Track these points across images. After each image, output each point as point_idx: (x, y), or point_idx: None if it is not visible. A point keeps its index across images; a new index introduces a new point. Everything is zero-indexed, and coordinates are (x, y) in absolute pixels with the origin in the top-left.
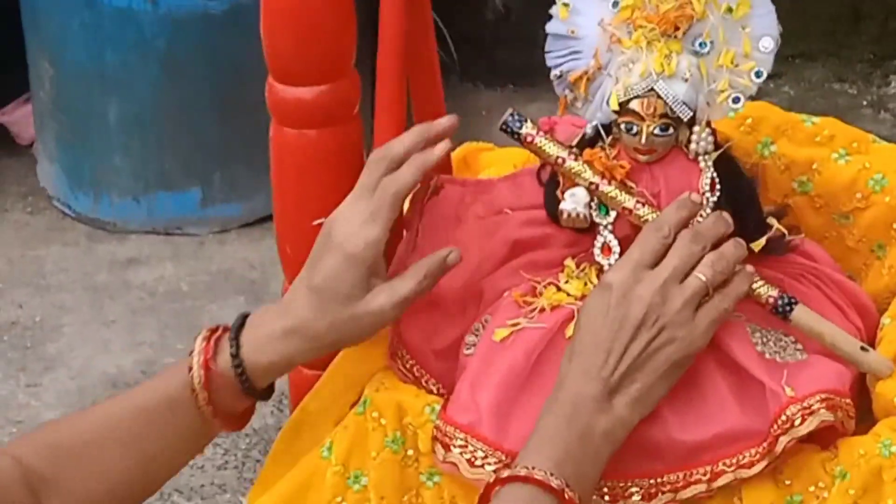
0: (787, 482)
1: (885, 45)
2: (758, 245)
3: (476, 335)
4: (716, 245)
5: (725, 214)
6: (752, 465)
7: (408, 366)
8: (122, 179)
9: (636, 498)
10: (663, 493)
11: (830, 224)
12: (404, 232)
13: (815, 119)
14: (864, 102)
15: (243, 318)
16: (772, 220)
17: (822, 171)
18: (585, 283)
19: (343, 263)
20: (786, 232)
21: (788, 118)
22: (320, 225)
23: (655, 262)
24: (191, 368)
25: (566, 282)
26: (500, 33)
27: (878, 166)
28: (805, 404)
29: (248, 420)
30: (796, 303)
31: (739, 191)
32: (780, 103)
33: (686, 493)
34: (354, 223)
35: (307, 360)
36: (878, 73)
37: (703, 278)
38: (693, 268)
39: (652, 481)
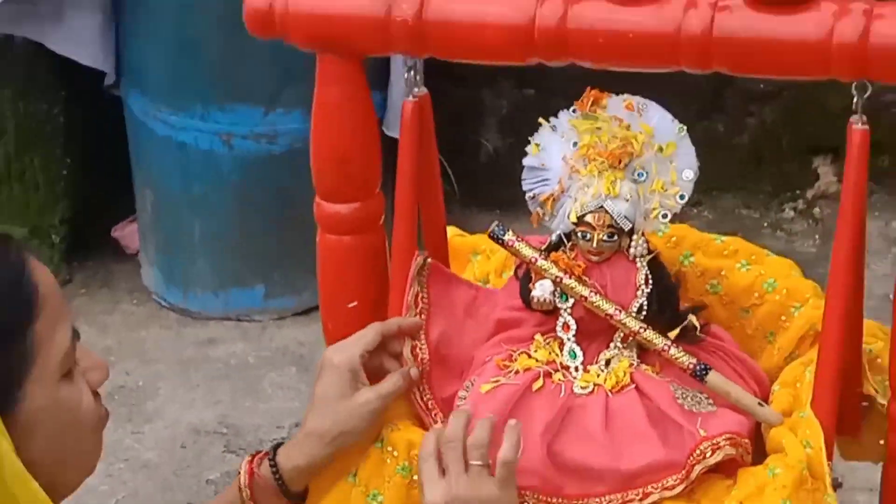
0: (699, 500)
1: (779, 182)
2: (673, 334)
3: (467, 391)
4: None
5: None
6: (673, 487)
7: (425, 398)
8: (204, 279)
9: None
10: None
11: (735, 317)
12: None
13: (723, 238)
14: (765, 224)
15: (280, 443)
16: (691, 316)
17: (728, 277)
18: (549, 352)
19: (331, 373)
20: (697, 325)
21: (703, 237)
22: (354, 306)
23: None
24: (239, 473)
25: (535, 351)
26: (490, 171)
27: (771, 273)
28: (714, 442)
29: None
30: (710, 369)
31: (664, 287)
32: (700, 225)
33: None
34: (338, 349)
35: (325, 460)
36: (775, 202)
37: (480, 462)
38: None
39: (597, 500)
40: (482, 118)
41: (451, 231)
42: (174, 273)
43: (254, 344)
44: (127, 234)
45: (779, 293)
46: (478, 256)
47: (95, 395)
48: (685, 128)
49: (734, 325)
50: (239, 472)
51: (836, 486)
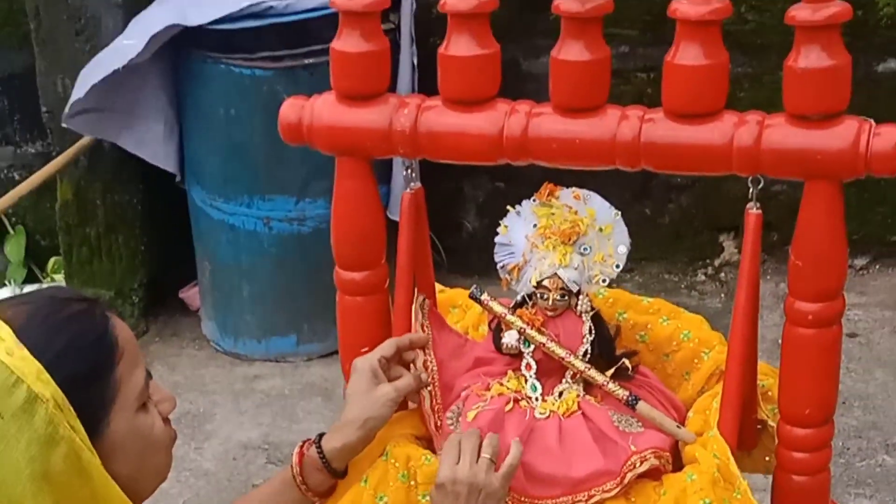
0: (633, 499)
1: (693, 253)
2: (610, 372)
3: (453, 413)
4: None
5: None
6: (610, 490)
7: (435, 403)
8: (250, 329)
9: None
10: None
11: (658, 360)
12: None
13: (649, 299)
14: (682, 286)
15: (321, 434)
16: (624, 359)
17: (653, 329)
18: (517, 384)
19: (357, 375)
20: (629, 366)
21: (633, 299)
22: (367, 350)
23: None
24: (292, 461)
25: (507, 381)
26: (470, 245)
27: (686, 326)
28: (642, 455)
29: (332, 494)
30: (639, 399)
31: (604, 336)
32: (632, 287)
33: None
34: (362, 357)
35: (358, 443)
36: (690, 269)
37: (488, 455)
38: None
39: (552, 502)
40: (464, 204)
41: (437, 288)
42: (227, 325)
43: (289, 379)
44: (191, 295)
45: (692, 342)
46: (456, 309)
47: (166, 420)
48: (620, 212)
49: (658, 366)
50: (292, 461)
51: (761, 428)
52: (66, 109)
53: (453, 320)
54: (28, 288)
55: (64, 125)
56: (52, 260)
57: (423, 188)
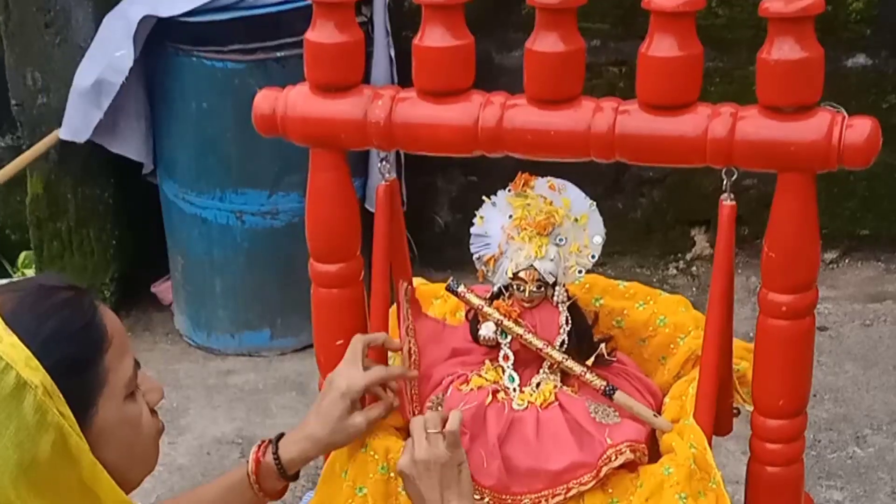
0: (610, 490)
1: (665, 247)
2: (589, 362)
3: (433, 403)
4: None
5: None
6: (587, 483)
7: (412, 392)
8: (223, 324)
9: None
10: (541, 502)
11: (635, 345)
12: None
13: (625, 283)
14: (654, 280)
15: (281, 434)
16: (601, 347)
17: (629, 315)
18: (495, 372)
19: (337, 398)
20: (605, 353)
21: (609, 283)
22: (342, 343)
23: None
24: (248, 462)
25: (485, 372)
26: (443, 240)
27: (662, 311)
28: (617, 448)
29: (283, 495)
30: (616, 389)
31: (580, 326)
32: None
33: (553, 501)
34: (348, 377)
35: (315, 456)
36: (662, 263)
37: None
38: None
39: (534, 496)
40: (437, 198)
41: (418, 281)
42: (200, 319)
43: (262, 374)
44: (163, 289)
45: (668, 327)
46: (438, 300)
47: (153, 412)
48: (594, 203)
49: (634, 351)
50: (247, 461)
51: (736, 414)
52: (71, 127)
53: (436, 312)
54: None
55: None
56: (22, 254)
57: (398, 181)
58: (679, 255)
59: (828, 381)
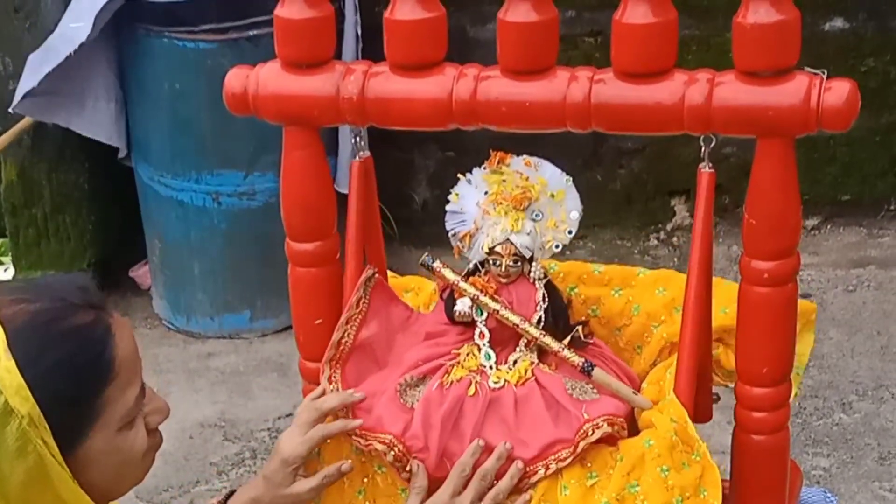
0: (589, 464)
1: (646, 218)
2: (566, 341)
3: (403, 384)
4: None
5: (502, 452)
6: (565, 459)
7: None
8: (202, 307)
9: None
10: (520, 482)
11: (611, 334)
12: (352, 302)
13: (602, 268)
14: (635, 251)
15: (231, 492)
16: (578, 327)
17: (605, 303)
18: (475, 359)
19: (280, 463)
20: (582, 335)
21: (585, 269)
22: (320, 323)
23: (461, 491)
24: None
25: (466, 361)
26: (421, 217)
27: (637, 300)
28: (594, 423)
29: None
30: (594, 367)
31: (557, 304)
32: (586, 253)
33: (534, 479)
34: (291, 443)
35: None
36: (643, 234)
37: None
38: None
39: None
40: (414, 175)
41: (389, 274)
42: (179, 303)
43: (243, 356)
44: (141, 273)
45: (643, 316)
46: (409, 293)
47: (153, 431)
48: (571, 178)
49: (610, 340)
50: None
51: (716, 400)
52: (16, 97)
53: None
54: None
55: (10, 111)
56: (0, 241)
57: (372, 158)
58: (660, 225)
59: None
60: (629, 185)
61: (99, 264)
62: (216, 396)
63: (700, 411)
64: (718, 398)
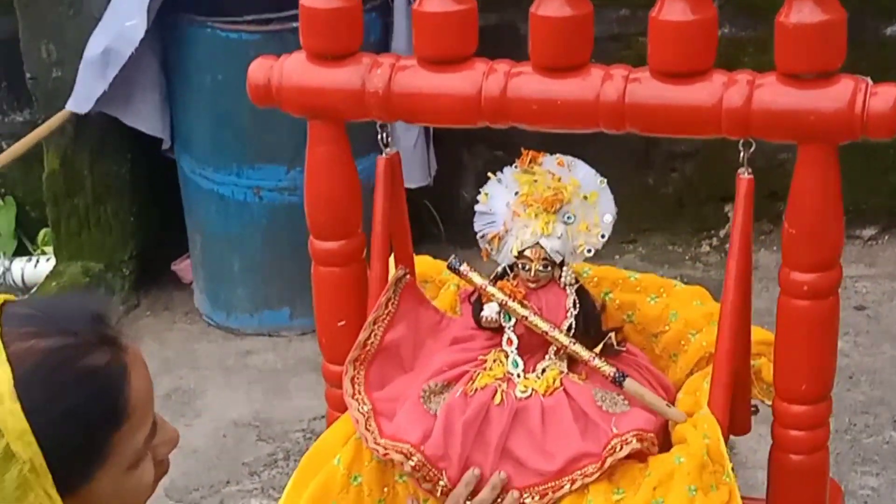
0: (617, 480)
1: (697, 224)
2: (597, 349)
3: (426, 391)
4: None
5: (496, 482)
6: (592, 475)
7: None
8: (242, 303)
9: (529, 501)
10: (544, 496)
11: (646, 340)
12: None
13: (637, 275)
14: (686, 257)
15: None
16: (611, 334)
17: (640, 309)
18: (502, 367)
19: None
20: (615, 342)
21: (620, 275)
22: (343, 325)
23: None
24: None
25: (490, 368)
26: (469, 215)
27: (675, 306)
28: (623, 438)
29: None
30: (627, 377)
31: (589, 310)
32: (636, 258)
33: (559, 494)
34: None
35: None
36: (694, 240)
37: None
38: None
39: (539, 488)
40: (462, 174)
41: (420, 258)
42: (219, 298)
43: (282, 354)
44: (183, 267)
45: (680, 323)
46: (428, 284)
47: (161, 462)
48: (605, 180)
49: (646, 347)
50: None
51: (754, 412)
52: (80, 98)
53: (441, 303)
54: (18, 262)
55: (76, 110)
56: (42, 232)
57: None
58: (712, 231)
59: (865, 363)
60: (681, 190)
61: (140, 256)
62: (252, 395)
63: (738, 424)
64: (757, 410)
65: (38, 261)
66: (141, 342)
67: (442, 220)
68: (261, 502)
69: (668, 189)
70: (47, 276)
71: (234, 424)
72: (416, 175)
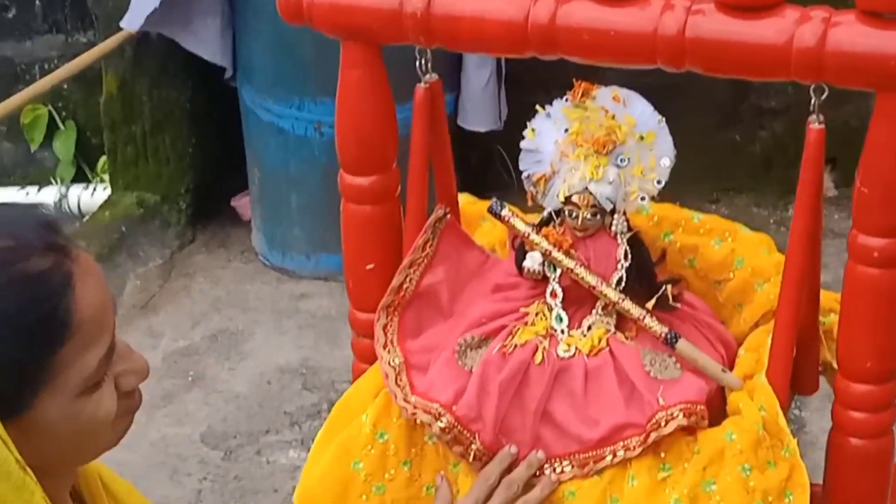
0: (663, 455)
1: (786, 184)
2: (650, 304)
3: (461, 347)
4: None
5: (533, 461)
6: (634, 448)
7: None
8: (299, 244)
9: (568, 469)
10: (584, 465)
11: (709, 288)
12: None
13: (701, 216)
14: (772, 221)
15: None
16: (666, 287)
17: (703, 253)
18: (545, 321)
19: None
20: (671, 295)
21: (682, 215)
22: (372, 268)
23: (486, 500)
24: None
25: (532, 323)
26: None
27: (741, 252)
28: (669, 412)
29: None
30: (679, 337)
31: (642, 262)
32: None
33: (600, 465)
34: None
35: None
36: (781, 202)
37: None
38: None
39: (578, 457)
40: None
41: (465, 198)
42: (276, 238)
43: (337, 300)
44: (243, 203)
45: (747, 269)
46: (486, 222)
47: (127, 394)
48: (664, 119)
49: (708, 294)
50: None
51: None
52: (132, 15)
53: (483, 234)
54: (75, 189)
55: (121, 26)
56: (101, 159)
57: (441, 82)
58: None
59: None
60: (769, 149)
61: (198, 190)
62: (302, 341)
63: (804, 383)
64: (825, 369)
65: (94, 189)
66: (193, 280)
67: (514, 167)
68: (299, 454)
69: (756, 147)
70: (101, 206)
71: (279, 371)
72: (485, 118)
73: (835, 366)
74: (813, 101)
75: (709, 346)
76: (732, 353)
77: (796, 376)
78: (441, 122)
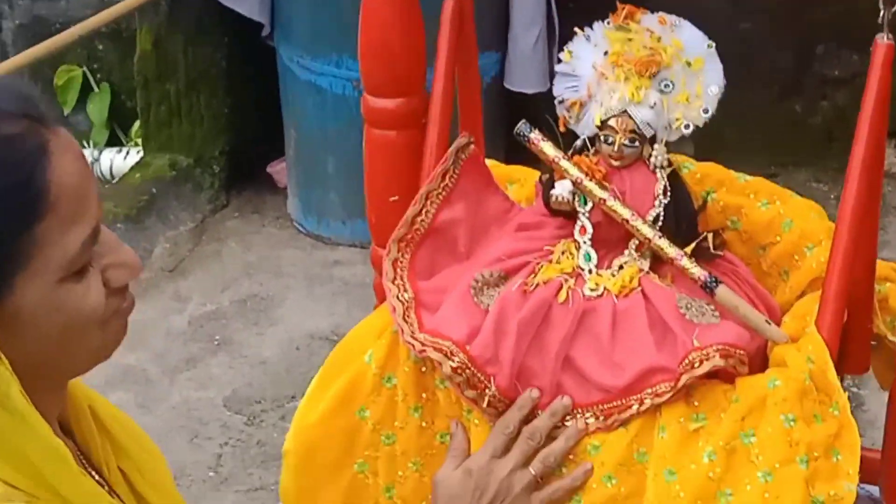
0: (696, 404)
1: (847, 160)
2: (688, 249)
3: (477, 283)
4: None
5: (558, 409)
6: (663, 394)
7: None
8: (335, 210)
9: (591, 420)
10: (609, 416)
11: (752, 253)
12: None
13: (748, 177)
14: (832, 196)
15: None
16: (707, 233)
17: (748, 215)
18: (571, 260)
19: None
20: (711, 245)
21: (727, 175)
22: (396, 200)
23: (505, 452)
24: None
25: (557, 260)
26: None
27: (789, 214)
28: (703, 352)
29: None
30: (720, 283)
31: (682, 200)
32: None
33: (625, 415)
34: None
35: None
36: (842, 178)
37: (534, 472)
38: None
39: (602, 407)
40: None
41: (489, 163)
42: (311, 203)
43: (371, 268)
44: (279, 170)
45: (795, 234)
46: (513, 185)
47: (116, 291)
48: (714, 44)
49: (751, 261)
50: None
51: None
52: None
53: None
54: (108, 153)
55: None
56: (136, 124)
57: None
58: None
59: None
60: (832, 121)
61: (233, 153)
62: (334, 308)
63: (854, 361)
64: (878, 344)
65: (127, 152)
66: (224, 245)
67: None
68: None
69: (817, 119)
70: (132, 167)
71: (309, 337)
72: (533, 79)
73: (891, 338)
74: (881, 14)
75: (751, 304)
76: (777, 319)
77: (845, 352)
78: (470, 36)
